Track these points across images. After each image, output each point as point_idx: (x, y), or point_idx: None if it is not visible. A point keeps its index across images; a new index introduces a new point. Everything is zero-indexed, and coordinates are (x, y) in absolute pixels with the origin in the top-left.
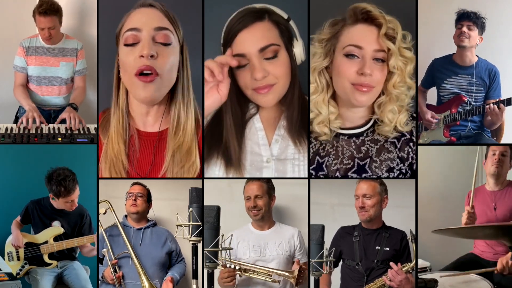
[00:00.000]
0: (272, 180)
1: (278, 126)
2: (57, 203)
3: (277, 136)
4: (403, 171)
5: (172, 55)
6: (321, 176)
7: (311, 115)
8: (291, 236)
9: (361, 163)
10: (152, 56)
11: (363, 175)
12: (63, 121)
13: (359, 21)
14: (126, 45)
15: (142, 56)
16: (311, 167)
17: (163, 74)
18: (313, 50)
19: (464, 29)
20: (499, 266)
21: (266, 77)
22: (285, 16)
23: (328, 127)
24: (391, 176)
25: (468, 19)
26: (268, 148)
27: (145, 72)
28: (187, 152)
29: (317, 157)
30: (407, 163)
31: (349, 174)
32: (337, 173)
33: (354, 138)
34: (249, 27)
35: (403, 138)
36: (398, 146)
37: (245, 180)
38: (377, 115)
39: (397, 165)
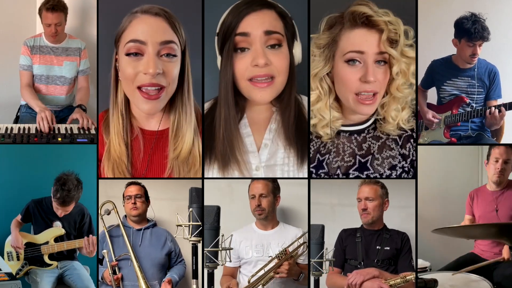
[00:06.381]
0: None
1: (268, 129)
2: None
3: (267, 140)
4: (406, 169)
5: (176, 66)
6: (322, 174)
7: (314, 120)
8: (294, 236)
9: (362, 160)
10: (157, 74)
11: (365, 173)
12: (72, 121)
13: (358, 26)
14: (127, 54)
15: (146, 73)
16: (311, 166)
17: (168, 87)
18: (311, 52)
19: (477, 50)
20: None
21: (269, 65)
22: (289, 14)
23: (331, 129)
24: (393, 175)
25: (481, 39)
26: (257, 154)
27: (149, 89)
28: (189, 157)
29: (318, 155)
30: (408, 160)
31: (350, 171)
32: (338, 171)
33: (355, 135)
34: (257, 12)
35: (404, 135)
36: (400, 143)
37: (246, 179)
38: (380, 115)
39: (399, 162)
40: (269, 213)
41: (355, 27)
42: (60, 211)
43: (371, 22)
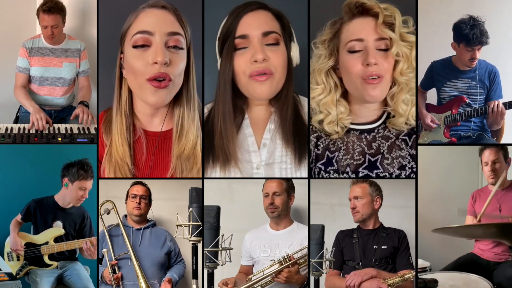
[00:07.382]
0: None
1: (267, 129)
2: (67, 193)
3: (265, 140)
4: (415, 169)
5: (183, 60)
6: (331, 172)
7: (321, 116)
8: (305, 237)
9: (372, 159)
10: (165, 63)
11: (375, 172)
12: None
13: (356, 16)
14: (135, 47)
15: (155, 63)
16: (320, 162)
17: (175, 79)
18: (317, 52)
19: (476, 54)
20: None
21: (267, 61)
22: (285, 16)
23: (339, 126)
24: (403, 174)
25: (480, 44)
26: (258, 153)
27: (158, 78)
28: (192, 156)
29: (327, 152)
30: None
31: (360, 170)
32: (348, 169)
33: (365, 134)
34: (254, 12)
35: (414, 136)
36: (410, 143)
37: (246, 179)
38: (390, 107)
39: (409, 162)
40: (282, 211)
41: (352, 18)
42: (80, 193)
43: (365, 9)
